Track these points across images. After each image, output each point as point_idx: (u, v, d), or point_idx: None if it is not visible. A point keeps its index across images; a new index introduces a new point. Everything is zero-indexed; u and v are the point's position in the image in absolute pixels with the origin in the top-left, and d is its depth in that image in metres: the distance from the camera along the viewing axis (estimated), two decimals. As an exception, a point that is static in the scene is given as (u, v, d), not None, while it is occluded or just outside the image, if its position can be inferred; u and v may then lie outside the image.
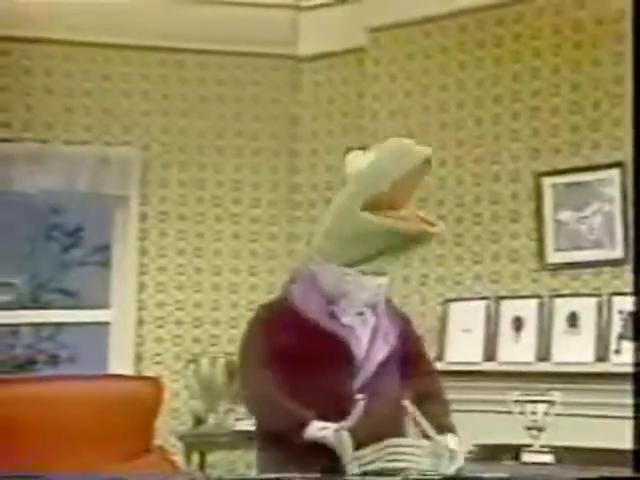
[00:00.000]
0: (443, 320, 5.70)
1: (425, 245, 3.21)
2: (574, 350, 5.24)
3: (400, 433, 3.05)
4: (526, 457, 4.87)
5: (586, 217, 5.42)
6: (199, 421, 6.02)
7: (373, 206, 3.06)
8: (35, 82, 6.23)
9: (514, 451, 5.03)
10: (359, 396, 2.96)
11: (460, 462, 3.00)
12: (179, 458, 5.55)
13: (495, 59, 5.79)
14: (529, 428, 4.82)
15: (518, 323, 5.47)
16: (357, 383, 3.08)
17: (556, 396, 4.77)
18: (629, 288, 4.95)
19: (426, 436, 2.97)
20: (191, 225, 6.40)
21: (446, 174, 5.85)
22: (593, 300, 5.31)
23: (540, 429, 4.79)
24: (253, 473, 3.55)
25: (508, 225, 5.67)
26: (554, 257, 5.50)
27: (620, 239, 5.29)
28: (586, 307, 5.31)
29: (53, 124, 6.25)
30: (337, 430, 2.92)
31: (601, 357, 5.18)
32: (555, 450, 4.85)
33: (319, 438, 2.94)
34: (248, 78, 6.51)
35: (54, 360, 7.62)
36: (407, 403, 3.02)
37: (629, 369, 4.45)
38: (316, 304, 3.12)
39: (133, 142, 6.33)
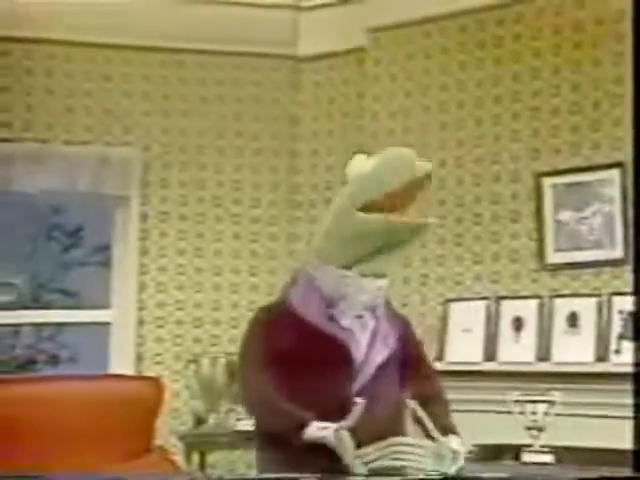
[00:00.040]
0: (443, 320, 5.71)
1: (421, 236, 3.20)
2: (574, 350, 5.24)
3: (400, 435, 3.05)
4: (526, 457, 4.87)
5: (586, 217, 5.43)
6: (199, 421, 6.03)
7: (370, 209, 3.07)
8: (36, 82, 6.24)
9: (514, 451, 5.04)
10: (358, 399, 2.96)
11: (461, 462, 3.01)
12: (179, 458, 5.55)
13: (495, 59, 5.79)
14: (529, 428, 4.82)
15: (518, 323, 5.48)
16: (356, 386, 3.08)
17: (556, 396, 4.77)
18: (629, 288, 4.94)
19: (429, 436, 2.98)
20: (191, 225, 6.41)
21: (446, 174, 5.85)
22: (593, 300, 5.31)
23: (540, 429, 4.79)
24: (253, 473, 3.55)
25: (508, 225, 5.68)
26: (554, 257, 5.51)
27: (620, 239, 5.29)
28: (586, 307, 5.31)
29: (54, 124, 6.25)
30: (337, 430, 2.92)
31: (601, 357, 5.18)
32: (555, 450, 4.85)
33: (319, 438, 2.94)
34: (248, 78, 6.51)
35: (55, 360, 7.62)
36: (413, 404, 3.03)
37: (629, 369, 4.45)
38: (315, 307, 3.12)
39: (133, 142, 6.34)
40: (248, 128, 6.50)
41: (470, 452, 5.31)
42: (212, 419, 5.99)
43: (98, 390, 4.44)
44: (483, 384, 5.41)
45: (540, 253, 5.54)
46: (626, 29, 4.93)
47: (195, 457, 5.91)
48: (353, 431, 2.90)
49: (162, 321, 6.31)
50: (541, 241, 5.54)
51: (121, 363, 6.18)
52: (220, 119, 6.48)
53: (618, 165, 5.30)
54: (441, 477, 2.91)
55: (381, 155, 3.19)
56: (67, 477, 3.52)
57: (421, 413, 3.00)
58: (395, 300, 3.49)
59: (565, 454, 4.87)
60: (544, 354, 5.34)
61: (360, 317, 3.15)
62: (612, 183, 5.34)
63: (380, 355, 3.14)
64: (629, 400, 3.82)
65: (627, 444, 3.98)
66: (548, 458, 4.83)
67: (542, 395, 4.81)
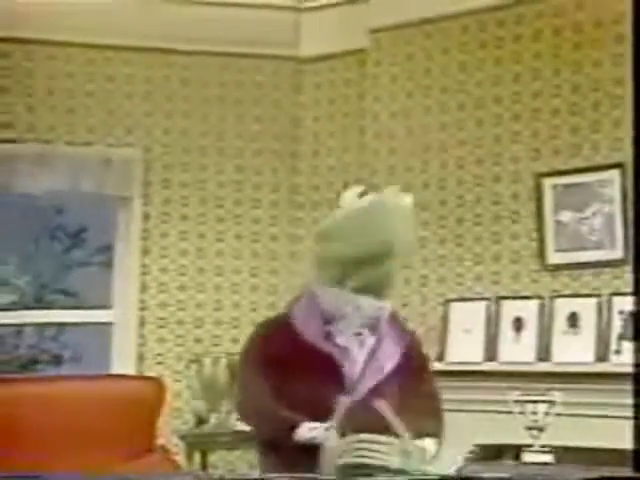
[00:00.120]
0: (444, 320, 5.72)
1: (407, 218, 3.16)
2: (574, 350, 5.25)
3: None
4: (526, 457, 4.88)
5: (586, 218, 5.44)
6: (201, 421, 6.04)
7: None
8: (37, 83, 6.25)
9: (514, 451, 5.05)
10: (342, 397, 2.98)
11: (429, 462, 2.99)
12: (181, 458, 5.57)
13: (496, 60, 5.80)
14: (529, 428, 4.83)
15: (518, 323, 5.49)
16: (347, 402, 3.08)
17: (556, 396, 4.78)
18: (629, 288, 4.95)
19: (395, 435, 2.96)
20: (193, 226, 6.42)
21: (447, 175, 5.86)
22: (593, 300, 5.32)
23: (540, 429, 4.80)
24: (255, 473, 3.56)
25: (509, 226, 5.69)
26: (554, 258, 5.52)
27: (620, 240, 5.30)
28: (586, 307, 5.32)
29: (56, 125, 6.27)
30: (327, 429, 2.94)
31: (601, 357, 5.19)
32: (555, 450, 4.86)
33: (310, 439, 2.96)
34: (250, 80, 6.52)
35: (57, 360, 7.64)
36: (381, 403, 3.03)
37: (629, 369, 4.45)
38: (314, 324, 3.14)
39: (135, 143, 6.35)
40: (249, 129, 6.51)
41: (470, 452, 5.34)
42: (213, 419, 6.00)
43: (100, 390, 4.45)
44: (483, 384, 5.42)
45: (540, 253, 5.55)
46: (626, 30, 4.95)
47: (196, 457, 5.92)
48: (343, 432, 2.92)
49: (164, 321, 6.32)
50: (541, 241, 5.55)
51: (123, 363, 6.20)
52: (221, 120, 6.49)
53: (618, 166, 5.31)
54: (438, 477, 2.90)
55: (362, 210, 3.14)
56: (69, 477, 3.53)
57: (387, 412, 2.99)
58: (395, 300, 3.50)
59: (565, 454, 4.88)
60: (544, 354, 5.35)
61: (359, 334, 3.17)
62: (612, 183, 5.35)
63: (378, 372, 3.14)
64: (629, 400, 3.83)
65: (627, 444, 3.98)
66: (548, 458, 4.84)
67: (542, 395, 4.82)
